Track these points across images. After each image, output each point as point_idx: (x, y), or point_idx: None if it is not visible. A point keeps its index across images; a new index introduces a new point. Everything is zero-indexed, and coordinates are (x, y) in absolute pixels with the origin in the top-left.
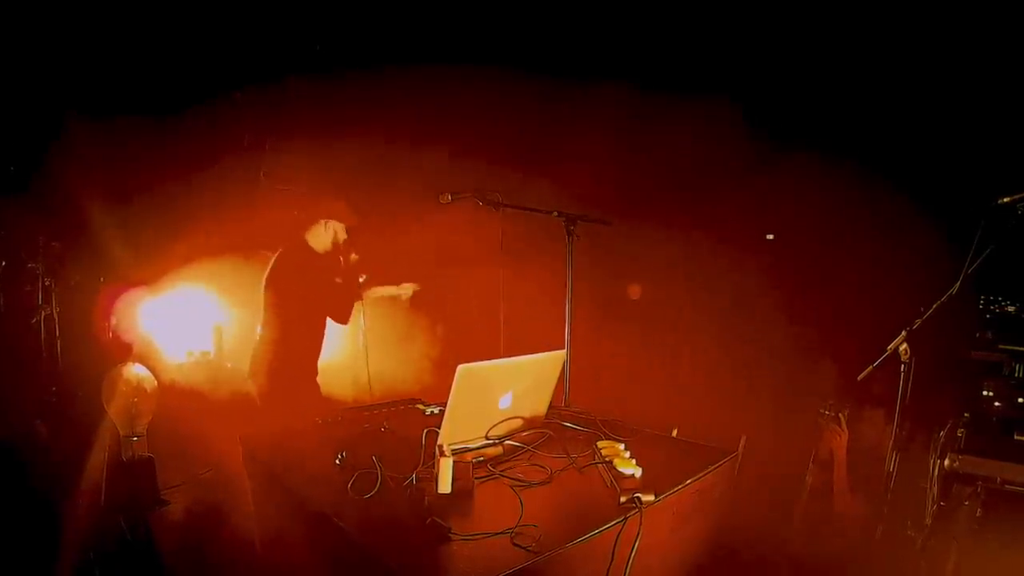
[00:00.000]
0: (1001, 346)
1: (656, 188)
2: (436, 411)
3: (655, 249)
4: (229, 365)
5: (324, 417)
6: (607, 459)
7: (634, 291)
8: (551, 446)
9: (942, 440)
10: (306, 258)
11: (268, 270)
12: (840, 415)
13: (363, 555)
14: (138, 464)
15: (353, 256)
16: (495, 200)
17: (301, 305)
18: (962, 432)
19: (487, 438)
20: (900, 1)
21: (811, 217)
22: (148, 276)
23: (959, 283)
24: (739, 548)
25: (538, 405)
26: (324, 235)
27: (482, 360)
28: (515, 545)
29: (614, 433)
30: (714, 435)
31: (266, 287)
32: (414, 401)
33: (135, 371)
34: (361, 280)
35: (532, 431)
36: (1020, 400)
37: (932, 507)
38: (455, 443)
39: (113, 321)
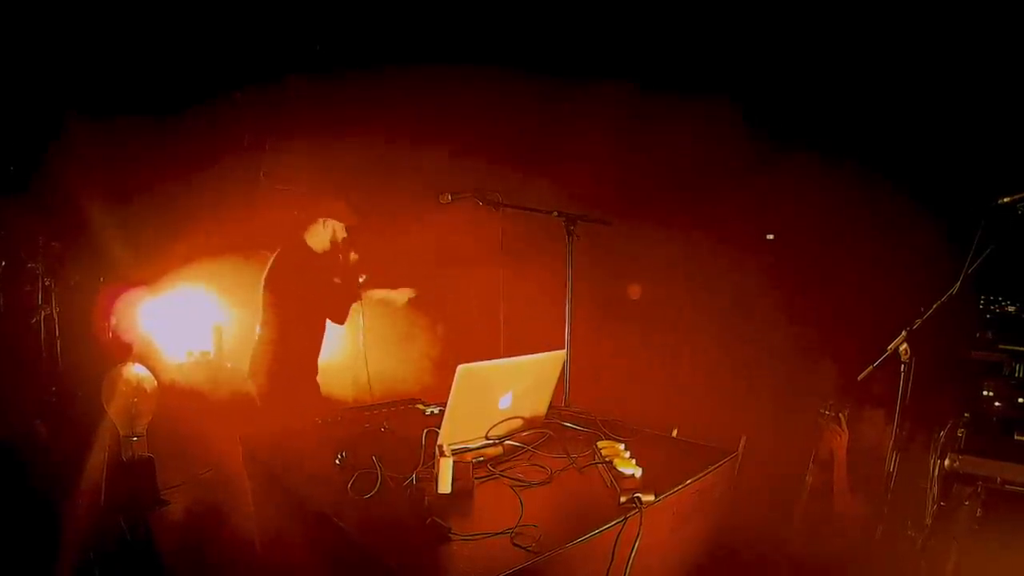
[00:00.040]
0: (1001, 346)
1: (656, 188)
2: (436, 411)
3: (655, 249)
4: (229, 365)
5: (324, 417)
6: (607, 459)
7: (634, 291)
8: (551, 446)
9: (942, 440)
10: (304, 258)
11: (266, 270)
12: (840, 415)
13: (363, 555)
14: (138, 464)
15: (353, 256)
16: (495, 200)
17: (299, 305)
18: (962, 432)
19: (487, 438)
20: (900, 1)
21: (811, 217)
22: (148, 276)
23: (959, 283)
24: (739, 548)
25: (538, 405)
26: (322, 235)
27: (482, 360)
28: (515, 545)
29: (614, 433)
30: (714, 435)
31: (264, 287)
32: (414, 401)
33: (135, 371)
34: (361, 280)
35: (532, 431)
36: (1020, 400)
37: (932, 507)
38: (455, 443)
39: (113, 321)
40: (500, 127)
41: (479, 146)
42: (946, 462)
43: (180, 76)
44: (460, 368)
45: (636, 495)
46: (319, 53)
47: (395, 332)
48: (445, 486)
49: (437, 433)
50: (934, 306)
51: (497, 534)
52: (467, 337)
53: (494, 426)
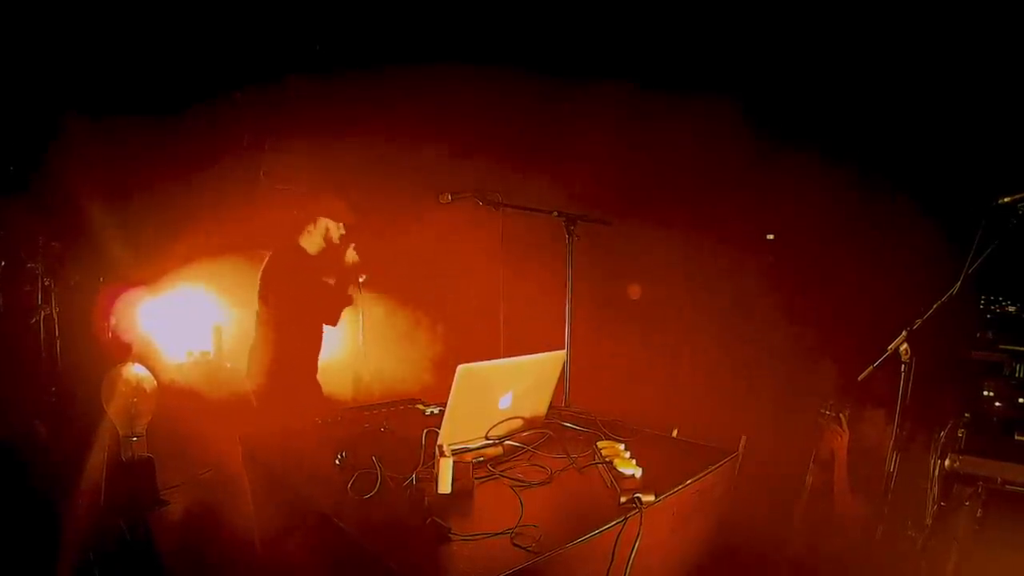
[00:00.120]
0: (1001, 346)
1: (656, 188)
2: (436, 411)
3: (655, 249)
4: (229, 365)
5: (324, 417)
6: (607, 459)
7: (634, 291)
8: (551, 446)
9: (943, 440)
10: (297, 259)
11: (261, 271)
12: (841, 415)
13: (363, 555)
14: (138, 464)
15: (353, 256)
16: (495, 200)
17: (293, 306)
18: (963, 432)
19: (487, 438)
20: (900, 1)
21: (811, 217)
22: (148, 276)
23: (960, 283)
24: (739, 548)
25: (538, 405)
26: (315, 235)
27: (482, 360)
28: (515, 545)
29: (614, 433)
30: (714, 435)
31: (259, 288)
32: (414, 401)
33: (135, 371)
34: (361, 280)
35: (532, 431)
36: (1021, 400)
37: (932, 507)
38: (455, 443)
39: (113, 321)
40: (500, 127)
41: (479, 146)
42: (946, 462)
43: (180, 76)
44: (460, 368)
45: (636, 495)
46: (319, 53)
47: (395, 332)
48: (445, 486)
49: (437, 433)
50: (935, 306)
51: (497, 534)
52: (467, 337)
53: (494, 426)
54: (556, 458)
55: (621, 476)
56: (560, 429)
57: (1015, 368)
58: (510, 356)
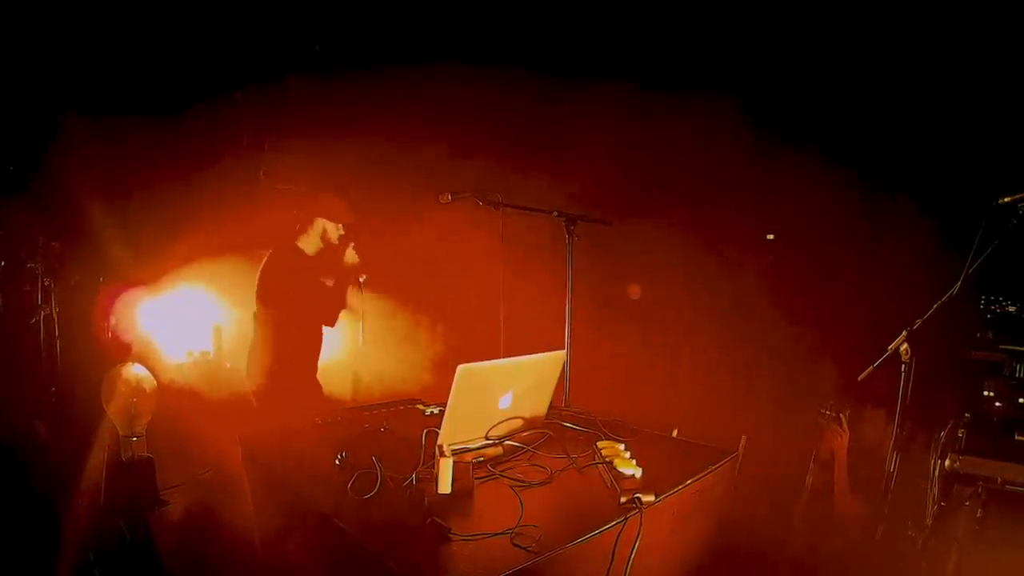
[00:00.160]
0: (1002, 346)
1: (656, 188)
2: (436, 411)
3: (655, 249)
4: (228, 365)
5: (324, 417)
6: (607, 459)
7: (634, 291)
8: (551, 446)
9: (943, 440)
10: (294, 260)
11: (259, 272)
12: (841, 415)
13: (363, 555)
14: (137, 464)
15: (352, 255)
16: (495, 200)
17: (291, 307)
18: (963, 432)
19: (487, 438)
20: (900, 1)
21: (811, 217)
22: (148, 276)
23: (960, 283)
24: (739, 548)
25: (538, 405)
26: (312, 236)
27: (482, 360)
28: (515, 545)
29: (614, 433)
30: (714, 435)
31: (257, 289)
32: (414, 401)
33: (134, 371)
34: (362, 280)
35: (532, 431)
36: (1021, 400)
37: (933, 507)
38: (455, 443)
39: (112, 321)
40: (500, 127)
41: (479, 146)
42: (947, 462)
43: (180, 76)
44: (460, 368)
45: (636, 495)
46: (319, 53)
47: (395, 332)
48: (445, 486)
49: (437, 433)
50: (935, 306)
51: (497, 534)
52: (467, 337)
53: (494, 426)
54: (556, 458)
55: (621, 476)
56: (560, 429)
57: (1015, 368)
58: (510, 356)
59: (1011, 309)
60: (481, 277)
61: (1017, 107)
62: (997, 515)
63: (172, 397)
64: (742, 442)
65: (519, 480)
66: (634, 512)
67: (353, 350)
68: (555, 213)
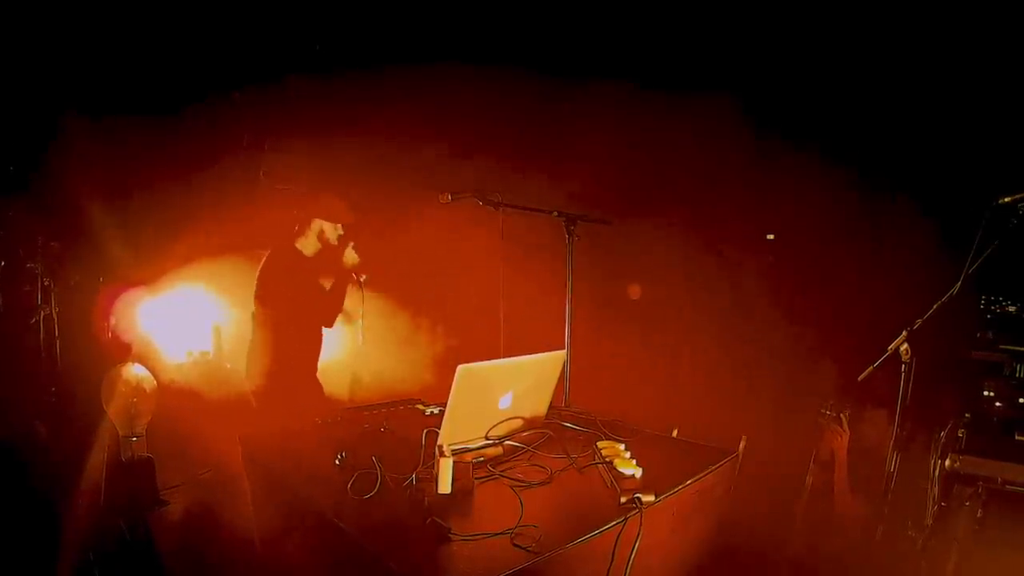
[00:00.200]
0: (1002, 346)
1: (656, 188)
2: (436, 411)
3: (655, 249)
4: (228, 365)
5: (324, 417)
6: (607, 459)
7: (634, 291)
8: (551, 446)
9: (943, 440)
10: (292, 261)
11: (257, 273)
12: (841, 415)
13: (363, 555)
14: (137, 464)
15: (352, 255)
16: (495, 200)
17: (290, 307)
18: (963, 432)
19: (487, 438)
20: (901, 0)
21: (811, 217)
22: (147, 276)
23: (960, 283)
24: (739, 548)
25: (538, 405)
26: (310, 236)
27: (482, 360)
28: (515, 545)
29: (614, 433)
30: (714, 435)
31: (256, 289)
32: (414, 401)
33: (134, 371)
34: (362, 280)
35: (532, 431)
36: (1021, 400)
37: (933, 508)
38: (455, 443)
39: (112, 321)
40: (500, 127)
41: (479, 146)
42: (947, 462)
43: (180, 76)
44: (460, 368)
45: (636, 495)
46: (319, 53)
47: (395, 332)
48: (445, 486)
49: (437, 433)
50: (935, 306)
51: (497, 534)
52: (467, 337)
53: (494, 426)
54: (556, 458)
55: (621, 476)
56: (560, 429)
57: (1015, 368)
58: (510, 356)
59: (1011, 309)
60: (481, 277)
61: (1017, 107)
62: (997, 515)
63: (172, 397)
64: (742, 442)
65: (519, 480)
66: (634, 512)
67: (353, 350)
68: (555, 213)
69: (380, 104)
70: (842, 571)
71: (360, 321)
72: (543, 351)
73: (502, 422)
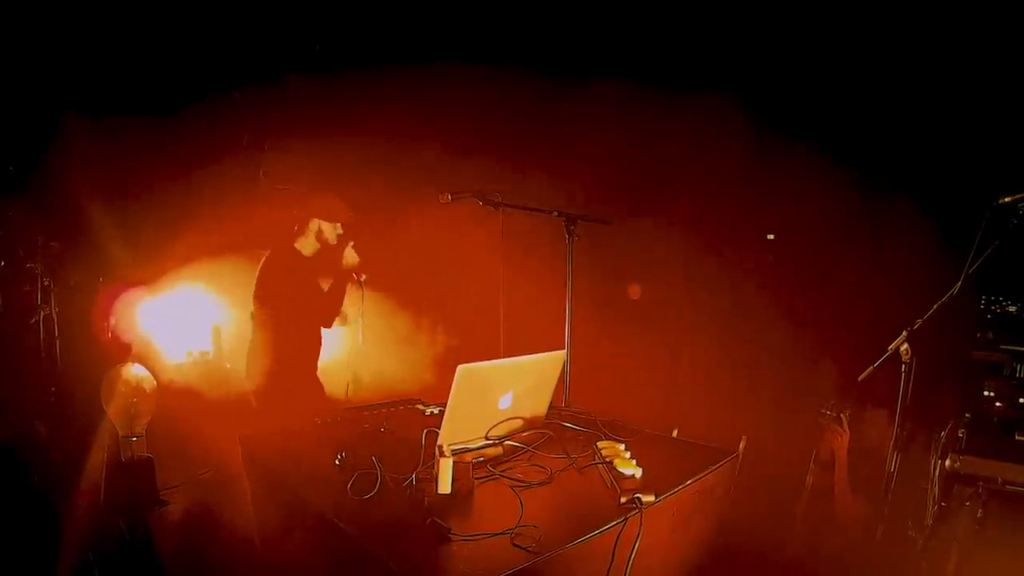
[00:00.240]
0: (1002, 346)
1: (656, 187)
2: (436, 411)
3: (655, 249)
4: (228, 365)
5: (324, 417)
6: (607, 459)
7: (634, 291)
8: (551, 446)
9: (943, 440)
10: (291, 261)
11: (257, 272)
12: (841, 415)
13: (363, 555)
14: (137, 464)
15: (352, 256)
16: (495, 200)
17: (290, 307)
18: (963, 432)
19: (487, 438)
20: (901, 0)
21: (811, 217)
22: (147, 276)
23: (960, 283)
24: (739, 548)
25: (538, 405)
26: (309, 236)
27: (482, 360)
28: (515, 545)
29: (614, 433)
30: (714, 435)
31: (255, 289)
32: (414, 401)
33: (134, 371)
34: (362, 279)
35: (532, 431)
36: (1021, 400)
37: (933, 508)
38: (455, 443)
39: (112, 321)
40: (500, 127)
41: (479, 146)
42: (947, 462)
43: (180, 76)
44: (460, 368)
45: (636, 495)
46: (319, 53)
47: (395, 332)
48: (445, 486)
49: (437, 433)
50: (935, 306)
51: (497, 534)
52: (467, 337)
53: (494, 426)
54: (556, 458)
55: (621, 476)
56: (560, 429)
57: (1015, 368)
58: (510, 356)
59: (1011, 309)
60: (481, 277)
61: (1017, 107)
62: (997, 515)
63: (172, 397)
64: (742, 442)
65: (519, 480)
66: (634, 512)
67: (353, 350)
68: (555, 213)
69: (380, 104)
70: (842, 571)
71: (360, 321)
72: (543, 351)
73: (502, 422)
